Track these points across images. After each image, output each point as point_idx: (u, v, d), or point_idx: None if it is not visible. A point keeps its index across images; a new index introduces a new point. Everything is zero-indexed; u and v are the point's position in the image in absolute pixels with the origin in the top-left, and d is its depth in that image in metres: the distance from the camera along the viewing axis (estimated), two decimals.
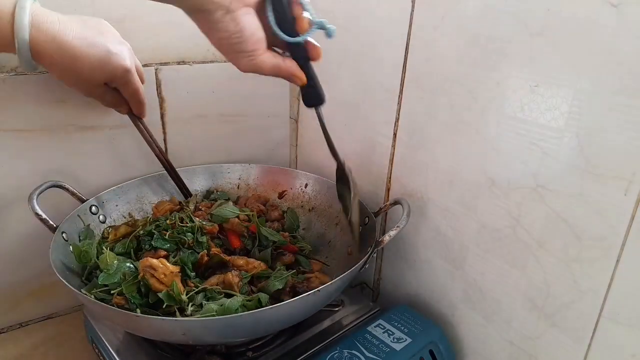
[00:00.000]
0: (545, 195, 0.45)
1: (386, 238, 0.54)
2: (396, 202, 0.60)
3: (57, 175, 0.62)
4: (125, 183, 0.68)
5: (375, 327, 0.56)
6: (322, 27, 0.47)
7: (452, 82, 0.53)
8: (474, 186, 0.53)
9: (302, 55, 0.49)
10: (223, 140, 0.80)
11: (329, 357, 0.51)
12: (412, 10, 0.56)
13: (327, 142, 0.57)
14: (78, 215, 0.61)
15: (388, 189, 0.67)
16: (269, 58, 0.47)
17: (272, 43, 0.49)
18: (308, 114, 0.82)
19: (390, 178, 0.66)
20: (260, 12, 0.46)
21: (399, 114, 0.62)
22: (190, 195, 0.72)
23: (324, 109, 0.55)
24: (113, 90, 0.59)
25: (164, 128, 0.72)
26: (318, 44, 0.49)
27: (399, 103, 0.61)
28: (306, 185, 0.76)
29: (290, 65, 0.49)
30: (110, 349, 0.54)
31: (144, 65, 0.65)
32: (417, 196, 0.61)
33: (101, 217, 0.64)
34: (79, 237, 0.59)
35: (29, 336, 0.66)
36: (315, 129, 0.81)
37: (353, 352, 0.52)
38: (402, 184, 0.64)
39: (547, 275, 0.47)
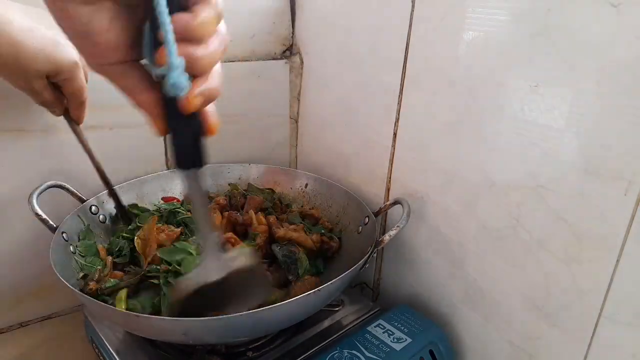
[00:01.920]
0: (545, 195, 0.45)
1: (386, 238, 0.54)
2: (396, 202, 0.60)
3: (57, 175, 0.62)
4: (125, 183, 0.68)
5: (375, 327, 0.56)
6: (169, 70, 0.31)
7: (452, 82, 0.53)
8: (474, 186, 0.53)
9: (170, 99, 0.32)
10: (223, 140, 0.80)
11: (329, 357, 0.51)
12: (412, 10, 0.56)
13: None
14: (78, 215, 0.61)
15: (388, 189, 0.67)
16: (123, 75, 0.33)
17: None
18: (308, 114, 0.83)
19: (390, 178, 0.66)
20: (138, 19, 0.32)
21: (399, 114, 0.62)
22: (129, 218, 0.65)
23: None
24: (53, 86, 0.53)
25: None
26: (176, 87, 0.31)
27: (399, 103, 0.61)
28: (306, 185, 0.76)
29: (148, 99, 0.33)
30: (110, 349, 0.54)
31: None
32: (417, 196, 0.61)
33: (101, 217, 0.64)
34: (79, 237, 0.59)
35: (29, 336, 0.66)
36: (316, 129, 0.82)
37: (353, 352, 0.52)
38: (402, 184, 0.64)
39: (547, 275, 0.47)
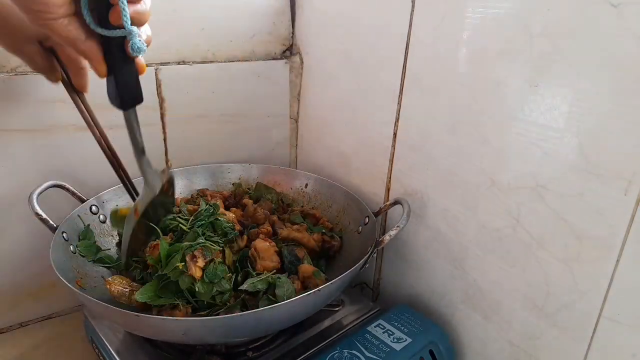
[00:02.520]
0: (545, 195, 0.46)
1: (386, 238, 0.54)
2: (396, 202, 0.60)
3: (57, 175, 0.62)
4: None
5: (375, 327, 0.56)
6: (126, 35, 0.38)
7: (452, 82, 0.53)
8: (474, 186, 0.53)
9: (115, 47, 0.40)
10: (223, 140, 0.80)
11: (329, 357, 0.51)
12: (412, 10, 0.56)
13: (133, 146, 0.50)
14: (78, 215, 0.61)
15: (388, 189, 0.67)
16: (67, 27, 0.37)
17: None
18: (308, 114, 0.83)
19: (390, 178, 0.66)
20: None
21: (399, 114, 0.62)
22: (137, 194, 0.61)
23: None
24: (47, 51, 0.51)
25: (164, 128, 0.72)
26: (140, 50, 0.40)
27: (399, 103, 0.61)
28: (306, 185, 0.76)
29: (90, 47, 0.39)
30: (110, 349, 0.54)
31: None
32: (417, 196, 0.61)
33: (101, 217, 0.64)
34: (79, 237, 0.59)
35: (29, 336, 0.66)
36: (316, 129, 0.82)
37: (353, 352, 0.52)
38: (402, 184, 0.64)
39: (547, 275, 0.47)
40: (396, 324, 0.57)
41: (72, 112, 0.63)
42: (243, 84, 0.78)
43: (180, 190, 0.75)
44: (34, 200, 0.55)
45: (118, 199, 0.67)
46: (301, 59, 0.80)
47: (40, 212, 0.54)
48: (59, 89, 0.60)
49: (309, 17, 0.77)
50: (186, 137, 0.75)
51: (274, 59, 0.80)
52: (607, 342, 0.43)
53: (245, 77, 0.78)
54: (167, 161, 0.75)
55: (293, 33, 0.81)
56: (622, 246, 0.40)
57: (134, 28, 0.38)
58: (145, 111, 0.65)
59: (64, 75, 0.54)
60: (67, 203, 0.61)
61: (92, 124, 0.56)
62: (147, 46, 0.41)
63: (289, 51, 0.82)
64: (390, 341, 0.54)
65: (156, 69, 0.68)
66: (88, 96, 0.56)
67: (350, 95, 0.70)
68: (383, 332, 0.55)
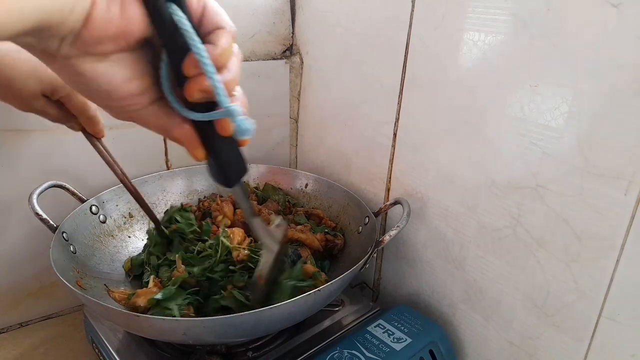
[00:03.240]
0: (545, 195, 0.46)
1: (386, 238, 0.54)
2: (396, 202, 0.60)
3: (57, 175, 0.62)
4: None
5: (375, 327, 0.56)
6: (230, 115, 0.31)
7: (452, 82, 0.53)
8: (474, 186, 0.53)
9: (206, 126, 0.33)
10: None
11: (329, 357, 0.51)
12: (412, 10, 0.56)
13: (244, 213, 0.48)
14: (78, 215, 0.61)
15: (388, 189, 0.67)
16: (154, 116, 0.32)
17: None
18: (308, 114, 0.83)
19: (390, 178, 0.66)
20: (150, 57, 0.31)
21: (399, 114, 0.62)
22: (158, 221, 0.64)
23: None
24: (56, 103, 0.51)
25: None
26: (248, 131, 0.33)
27: (399, 103, 0.61)
28: (306, 185, 0.76)
29: (184, 133, 0.33)
30: (110, 349, 0.54)
31: None
32: (417, 196, 0.61)
33: (101, 217, 0.64)
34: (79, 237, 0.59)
35: (29, 336, 0.66)
36: (316, 129, 0.82)
37: (353, 352, 0.52)
38: (402, 184, 0.64)
39: (547, 275, 0.47)
40: (396, 324, 0.57)
41: None
42: (243, 84, 0.77)
43: (181, 190, 0.75)
44: (34, 200, 0.55)
45: (118, 199, 0.67)
46: (301, 59, 0.80)
47: (40, 212, 0.54)
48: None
49: (308, 17, 0.77)
50: None
51: (274, 59, 0.80)
52: (607, 342, 0.43)
53: (245, 77, 0.77)
54: (167, 161, 0.75)
55: (293, 33, 0.81)
56: (622, 246, 0.40)
57: (234, 106, 0.31)
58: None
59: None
60: (67, 203, 0.61)
61: (114, 164, 0.58)
62: (247, 118, 0.33)
63: (289, 51, 0.82)
64: (391, 341, 0.54)
65: None
66: None
67: (350, 95, 0.70)
68: (383, 332, 0.55)
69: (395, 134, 0.63)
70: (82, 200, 0.63)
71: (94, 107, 0.53)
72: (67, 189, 0.61)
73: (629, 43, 0.37)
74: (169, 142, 0.74)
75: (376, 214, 0.63)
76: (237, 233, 0.59)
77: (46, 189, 0.58)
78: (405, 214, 0.56)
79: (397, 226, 0.55)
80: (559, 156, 0.44)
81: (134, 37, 0.28)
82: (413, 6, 0.56)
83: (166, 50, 0.29)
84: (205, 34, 0.30)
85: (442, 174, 0.57)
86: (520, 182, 0.48)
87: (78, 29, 0.26)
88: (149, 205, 0.66)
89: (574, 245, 0.44)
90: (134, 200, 0.69)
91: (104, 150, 0.57)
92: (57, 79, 0.47)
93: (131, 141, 0.69)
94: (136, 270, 0.62)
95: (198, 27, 0.30)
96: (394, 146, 0.64)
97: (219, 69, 0.30)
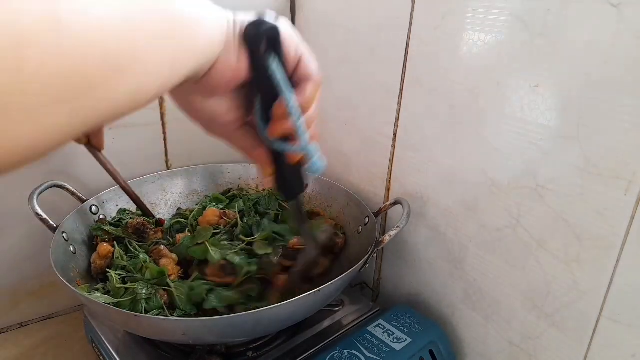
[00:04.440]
0: (545, 195, 0.45)
1: (386, 238, 0.54)
2: (396, 202, 0.60)
3: (57, 175, 0.62)
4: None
5: (375, 327, 0.56)
6: (306, 153, 0.37)
7: (452, 82, 0.53)
8: (474, 186, 0.53)
9: (278, 153, 0.39)
10: None
11: (329, 357, 0.51)
12: (412, 10, 0.56)
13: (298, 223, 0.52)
14: (78, 215, 0.61)
15: (388, 189, 0.67)
16: (241, 138, 0.39)
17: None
18: None
19: (390, 178, 0.66)
20: (247, 92, 0.37)
21: (399, 114, 0.62)
22: (158, 223, 0.66)
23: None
24: None
25: (164, 128, 0.72)
26: (319, 170, 0.39)
27: (399, 103, 0.61)
28: (306, 185, 0.76)
29: (259, 155, 0.39)
30: (110, 349, 0.54)
31: None
32: (417, 196, 0.61)
33: (101, 217, 0.64)
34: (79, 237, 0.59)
35: (29, 336, 0.67)
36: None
37: (353, 352, 0.52)
38: (402, 184, 0.64)
39: (547, 275, 0.47)
40: (396, 324, 0.57)
41: None
42: None
43: (180, 190, 0.75)
44: (34, 200, 0.55)
45: (118, 199, 0.67)
46: None
47: (40, 212, 0.54)
48: None
49: (308, 17, 0.77)
50: (186, 137, 0.75)
51: None
52: (607, 342, 0.43)
53: None
54: (167, 161, 0.75)
55: None
56: (622, 246, 0.40)
57: (311, 147, 0.37)
58: (145, 111, 0.65)
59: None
60: (67, 203, 0.61)
61: (115, 173, 0.62)
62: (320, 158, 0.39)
63: None
64: (390, 341, 0.54)
65: None
66: None
67: (350, 95, 0.70)
68: (383, 332, 0.55)
69: (395, 134, 0.63)
70: (82, 200, 0.63)
71: None
72: (67, 189, 0.61)
73: (629, 43, 0.37)
74: (169, 142, 0.74)
75: (376, 214, 0.63)
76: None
77: (46, 189, 0.58)
78: (405, 214, 0.56)
79: (397, 226, 0.55)
80: (559, 156, 0.44)
81: (241, 82, 0.33)
82: (413, 6, 0.56)
83: (261, 92, 0.35)
84: (297, 82, 0.36)
85: (442, 174, 0.57)
86: (520, 182, 0.48)
87: (202, 75, 0.31)
88: (149, 206, 0.66)
89: (574, 245, 0.44)
90: (134, 200, 0.69)
91: (106, 162, 0.61)
92: None
93: (131, 141, 0.69)
94: None
95: (291, 75, 0.35)
96: (394, 146, 0.64)
97: (303, 111, 0.35)
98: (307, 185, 0.44)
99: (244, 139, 0.39)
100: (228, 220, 0.65)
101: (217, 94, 0.34)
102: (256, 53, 0.32)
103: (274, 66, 0.33)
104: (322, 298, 0.50)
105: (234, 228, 0.64)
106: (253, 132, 0.38)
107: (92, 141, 0.58)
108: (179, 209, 0.73)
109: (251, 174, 0.78)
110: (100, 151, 0.60)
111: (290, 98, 0.34)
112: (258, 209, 0.70)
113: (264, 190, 0.75)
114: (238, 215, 0.66)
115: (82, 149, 0.64)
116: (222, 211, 0.66)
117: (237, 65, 0.32)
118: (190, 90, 0.33)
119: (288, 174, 0.41)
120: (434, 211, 0.59)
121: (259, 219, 0.67)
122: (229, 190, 0.76)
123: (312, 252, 0.57)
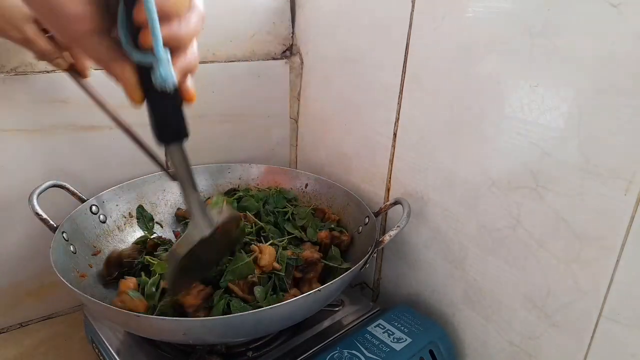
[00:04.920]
0: (545, 195, 0.45)
1: (386, 238, 0.54)
2: (396, 202, 0.60)
3: (57, 175, 0.62)
4: (125, 183, 0.68)
5: (375, 327, 0.56)
6: (152, 62, 0.32)
7: (452, 82, 0.53)
8: (474, 186, 0.53)
9: (148, 74, 0.33)
10: (223, 140, 0.80)
11: (329, 357, 0.51)
12: (412, 10, 0.56)
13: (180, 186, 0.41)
14: (78, 215, 0.61)
15: (388, 189, 0.67)
16: (96, 46, 0.33)
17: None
18: (308, 114, 0.83)
19: (390, 178, 0.66)
20: None
21: (399, 114, 0.62)
22: (161, 164, 0.59)
23: None
24: (45, 33, 0.49)
25: None
26: (165, 81, 0.33)
27: (399, 103, 0.61)
28: (306, 186, 0.76)
29: (122, 71, 0.33)
30: (110, 349, 0.54)
31: None
32: (417, 196, 0.61)
33: (101, 217, 0.64)
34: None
35: (29, 336, 0.67)
36: (316, 129, 0.82)
37: (353, 352, 0.52)
38: (402, 184, 0.64)
39: (547, 275, 0.47)
40: (396, 324, 0.57)
41: (71, 112, 0.63)
42: (243, 84, 0.78)
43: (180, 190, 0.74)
44: (34, 200, 0.55)
45: (118, 199, 0.67)
46: (301, 59, 0.80)
47: (40, 212, 0.54)
48: (59, 89, 0.60)
49: (308, 17, 0.77)
50: None
51: (274, 59, 0.80)
52: (607, 342, 0.43)
53: (245, 77, 0.78)
54: (166, 161, 0.75)
55: (293, 33, 0.81)
56: (622, 246, 0.40)
57: (163, 54, 0.31)
58: (145, 111, 0.65)
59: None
60: (67, 203, 0.61)
61: (104, 105, 0.55)
62: (191, 73, 0.34)
63: (289, 51, 0.82)
64: (390, 341, 0.54)
65: None
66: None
67: (350, 95, 0.70)
68: (383, 332, 0.55)
69: (395, 134, 0.63)
70: (82, 200, 0.63)
71: None
72: (67, 189, 0.61)
73: (629, 43, 0.37)
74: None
75: (376, 214, 0.63)
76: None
77: (46, 189, 0.58)
78: (405, 214, 0.56)
79: (397, 226, 0.55)
80: (559, 156, 0.44)
81: None
82: (413, 6, 0.56)
83: None
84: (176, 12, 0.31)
85: (442, 174, 0.57)
86: (520, 182, 0.48)
87: None
88: (149, 206, 0.66)
89: (574, 245, 0.44)
90: (134, 200, 0.69)
91: (91, 91, 0.55)
92: None
93: (131, 141, 0.69)
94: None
95: None
96: (394, 146, 0.64)
97: (169, 18, 0.31)
98: (188, 131, 0.36)
99: (101, 49, 0.33)
100: (247, 223, 0.65)
101: None
102: None
103: None
104: (322, 298, 0.50)
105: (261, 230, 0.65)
106: (115, 44, 0.33)
107: (74, 66, 0.54)
108: (178, 209, 0.73)
109: (251, 174, 0.78)
110: (83, 78, 0.55)
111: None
112: (267, 208, 0.71)
113: (269, 188, 0.76)
114: (253, 217, 0.67)
115: (82, 149, 0.64)
116: (242, 214, 0.66)
117: None
118: None
119: (160, 105, 0.35)
120: (434, 211, 0.59)
121: (272, 218, 0.68)
122: (233, 190, 0.76)
123: (199, 233, 0.43)
